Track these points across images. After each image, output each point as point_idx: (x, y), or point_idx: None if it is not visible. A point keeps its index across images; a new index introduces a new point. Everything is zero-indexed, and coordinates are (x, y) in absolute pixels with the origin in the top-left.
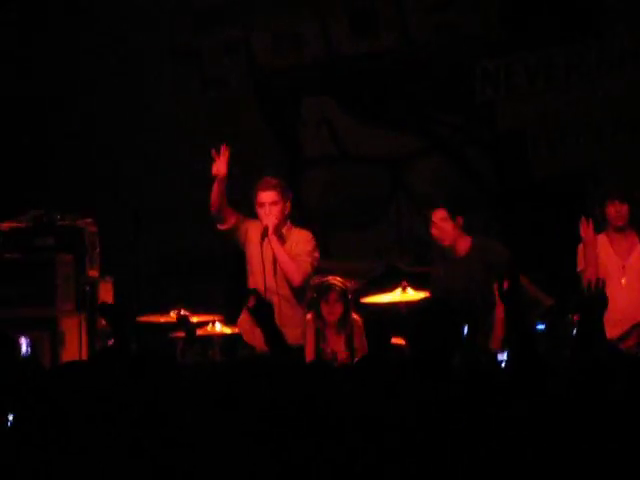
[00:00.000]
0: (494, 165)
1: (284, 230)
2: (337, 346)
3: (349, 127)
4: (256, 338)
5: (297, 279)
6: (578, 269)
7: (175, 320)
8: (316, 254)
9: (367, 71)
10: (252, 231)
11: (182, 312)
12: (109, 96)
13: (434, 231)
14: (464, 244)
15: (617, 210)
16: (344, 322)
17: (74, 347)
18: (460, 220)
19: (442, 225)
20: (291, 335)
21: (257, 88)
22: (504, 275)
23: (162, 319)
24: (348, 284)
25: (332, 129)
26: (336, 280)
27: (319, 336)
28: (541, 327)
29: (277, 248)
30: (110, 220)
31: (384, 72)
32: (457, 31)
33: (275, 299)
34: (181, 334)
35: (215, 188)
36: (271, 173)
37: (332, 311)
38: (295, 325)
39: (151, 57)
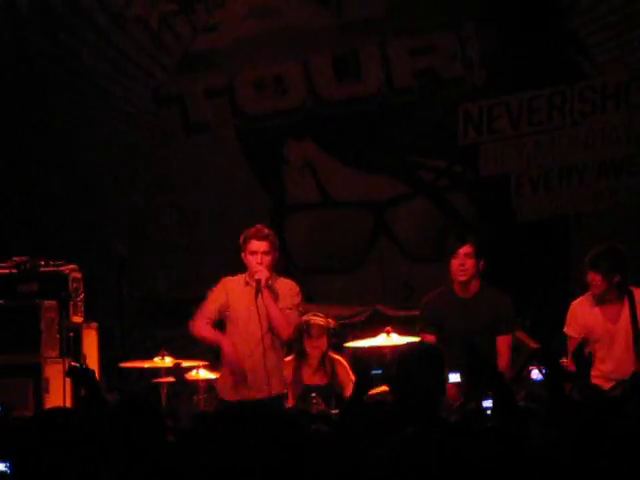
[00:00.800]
0: (477, 208)
1: (271, 279)
2: (316, 382)
3: (332, 171)
4: (228, 394)
5: (287, 333)
6: (565, 329)
7: (165, 366)
8: (302, 307)
9: (350, 115)
10: (231, 288)
11: (175, 360)
12: (93, 142)
13: (455, 263)
14: (475, 286)
15: (592, 279)
16: (323, 360)
17: (58, 393)
18: (482, 262)
19: (466, 260)
20: (275, 384)
21: (240, 132)
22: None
23: (146, 364)
24: (330, 321)
25: (315, 173)
26: (318, 316)
27: (297, 375)
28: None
29: (270, 303)
30: (94, 266)
31: (367, 116)
32: (439, 75)
33: (260, 349)
34: (166, 380)
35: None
36: (257, 219)
37: (316, 345)
38: (280, 373)
39: (134, 103)
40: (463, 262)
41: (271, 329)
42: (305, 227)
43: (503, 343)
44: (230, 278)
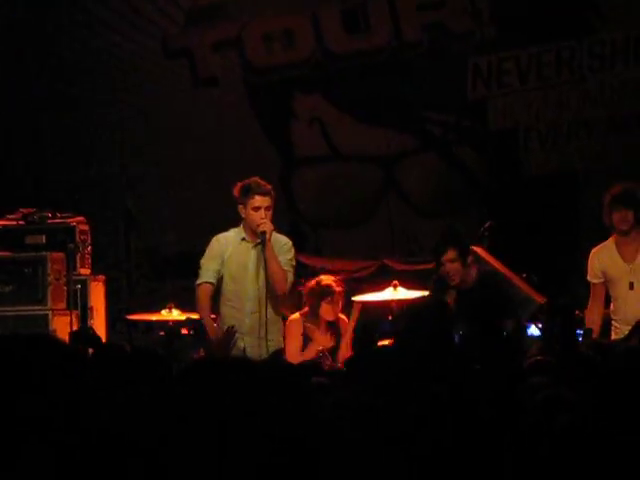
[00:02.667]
0: (486, 163)
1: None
2: (325, 344)
3: (341, 125)
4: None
5: (284, 287)
6: (588, 277)
7: (173, 319)
8: (294, 262)
9: (359, 69)
10: (225, 245)
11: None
12: (101, 95)
13: (444, 270)
14: (470, 277)
15: (622, 216)
16: (334, 321)
17: None
18: (470, 259)
19: (452, 266)
20: (276, 340)
21: (249, 86)
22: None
23: (154, 317)
24: (342, 284)
25: (324, 127)
26: (333, 282)
27: (305, 336)
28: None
29: (272, 257)
30: (101, 219)
31: (376, 70)
32: (448, 29)
33: (256, 305)
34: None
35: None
36: (265, 172)
37: (333, 311)
38: (277, 329)
39: (143, 57)
40: (450, 268)
41: (268, 285)
42: (313, 181)
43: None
44: (223, 235)
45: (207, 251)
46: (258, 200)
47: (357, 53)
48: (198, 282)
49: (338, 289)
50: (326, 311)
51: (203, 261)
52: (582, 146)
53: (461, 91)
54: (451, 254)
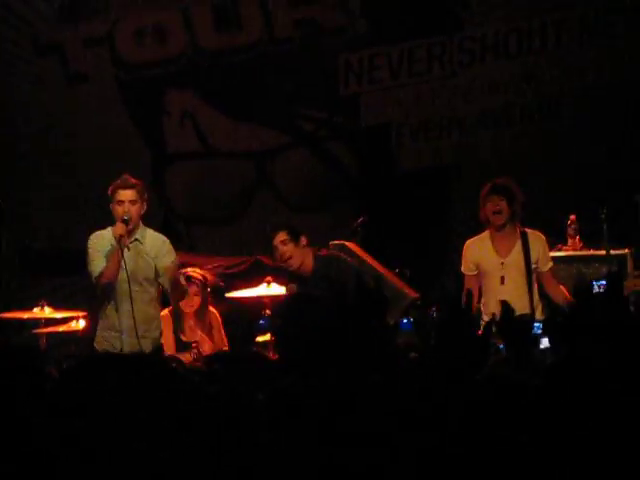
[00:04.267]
0: (358, 159)
1: (138, 232)
2: (196, 337)
3: (213, 121)
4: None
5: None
6: (462, 268)
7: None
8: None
9: (231, 65)
10: (100, 243)
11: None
12: None
13: (277, 255)
14: (309, 262)
15: (497, 206)
16: (202, 314)
17: None
18: (303, 240)
19: (285, 248)
20: (148, 338)
21: (120, 82)
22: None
23: (26, 315)
24: (208, 276)
25: (196, 123)
26: (195, 272)
27: (177, 329)
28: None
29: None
30: None
31: (248, 66)
32: (320, 25)
33: (128, 304)
34: (46, 330)
35: (117, 257)
36: (137, 170)
37: (190, 303)
38: (153, 326)
39: (15, 52)
40: (282, 250)
41: (140, 282)
42: (186, 177)
43: None
44: (98, 233)
45: (90, 247)
46: (121, 194)
47: (229, 49)
48: (96, 275)
49: (195, 280)
50: (184, 302)
51: (92, 257)
52: (453, 141)
53: (333, 87)
54: (282, 235)
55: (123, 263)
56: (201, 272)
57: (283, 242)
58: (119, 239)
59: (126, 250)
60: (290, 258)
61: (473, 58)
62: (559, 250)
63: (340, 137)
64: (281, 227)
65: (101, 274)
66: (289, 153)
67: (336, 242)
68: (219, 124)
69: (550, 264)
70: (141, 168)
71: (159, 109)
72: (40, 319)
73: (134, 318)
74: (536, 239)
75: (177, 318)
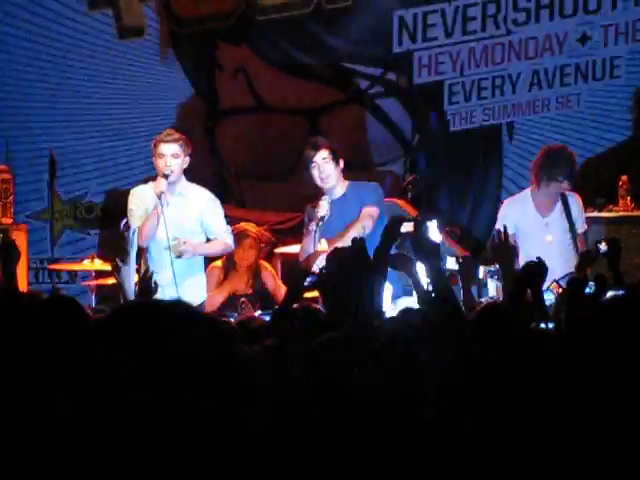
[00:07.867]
0: (411, 117)
1: (181, 186)
2: (247, 292)
3: (266, 77)
4: None
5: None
6: (496, 226)
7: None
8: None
9: (285, 21)
10: (141, 198)
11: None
12: (22, 44)
13: (315, 172)
14: (341, 188)
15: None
16: (254, 269)
17: None
18: (342, 163)
19: (325, 166)
20: (187, 294)
21: (174, 36)
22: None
23: (76, 267)
24: (262, 232)
25: (249, 78)
26: (250, 227)
27: (225, 281)
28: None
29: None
30: (24, 168)
31: (301, 22)
32: None
33: (167, 258)
34: (96, 282)
35: (156, 212)
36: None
37: (245, 257)
38: (195, 283)
39: (68, 7)
40: (322, 169)
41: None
42: (238, 132)
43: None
44: (140, 188)
45: (131, 202)
46: (163, 148)
47: (283, 5)
48: (134, 228)
49: (252, 235)
50: (239, 256)
51: (132, 211)
52: (506, 100)
53: (387, 44)
54: (324, 152)
55: (163, 218)
56: (255, 227)
57: (325, 160)
58: (159, 195)
59: (167, 205)
60: (329, 177)
61: (528, 17)
62: (610, 211)
63: (393, 95)
64: (324, 144)
65: (140, 229)
66: (342, 110)
67: (386, 200)
68: (272, 79)
69: (585, 227)
70: (195, 122)
71: (213, 63)
72: (90, 271)
73: (174, 273)
74: (574, 200)
75: (229, 271)
